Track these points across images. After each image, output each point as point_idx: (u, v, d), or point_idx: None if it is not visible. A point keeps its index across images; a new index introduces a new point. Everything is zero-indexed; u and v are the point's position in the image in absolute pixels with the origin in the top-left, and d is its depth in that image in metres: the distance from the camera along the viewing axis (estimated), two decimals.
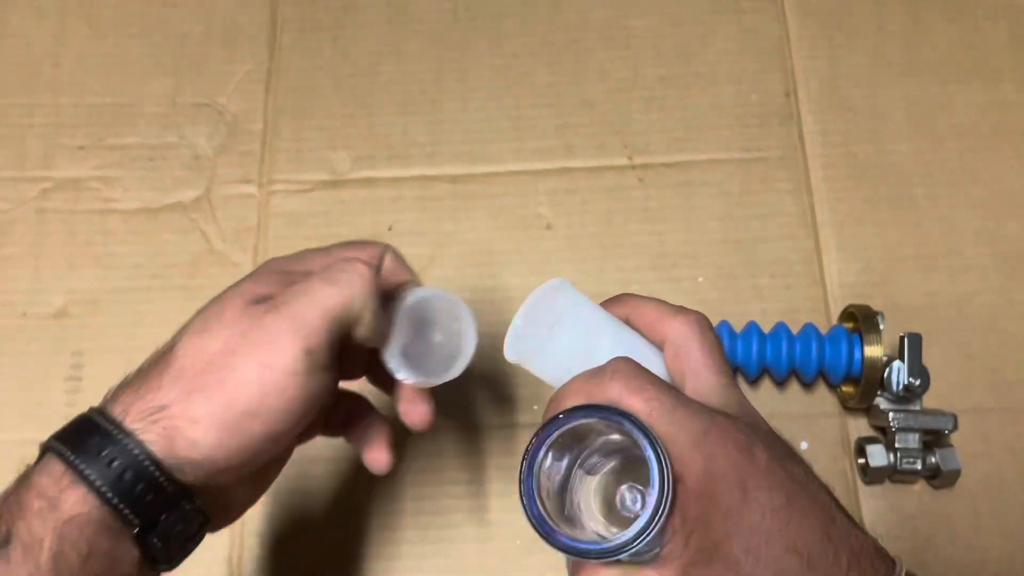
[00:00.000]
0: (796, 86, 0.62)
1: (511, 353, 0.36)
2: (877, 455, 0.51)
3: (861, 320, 0.52)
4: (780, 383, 0.55)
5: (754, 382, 0.55)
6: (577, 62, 0.63)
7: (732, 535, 0.30)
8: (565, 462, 0.34)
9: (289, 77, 0.63)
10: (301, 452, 0.40)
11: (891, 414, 0.51)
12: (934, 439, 0.52)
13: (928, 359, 0.50)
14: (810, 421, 0.54)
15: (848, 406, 0.54)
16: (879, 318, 0.52)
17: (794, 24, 0.64)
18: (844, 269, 0.57)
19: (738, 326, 0.53)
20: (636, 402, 0.31)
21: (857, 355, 0.51)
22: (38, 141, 0.62)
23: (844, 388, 0.54)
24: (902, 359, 0.51)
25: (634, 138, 0.61)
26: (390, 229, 0.59)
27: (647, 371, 0.33)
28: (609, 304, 0.38)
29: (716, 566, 0.30)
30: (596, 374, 0.33)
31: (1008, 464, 0.53)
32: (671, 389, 0.32)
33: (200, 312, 0.36)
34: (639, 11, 0.65)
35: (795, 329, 0.53)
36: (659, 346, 0.36)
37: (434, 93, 0.63)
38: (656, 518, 0.29)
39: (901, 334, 0.51)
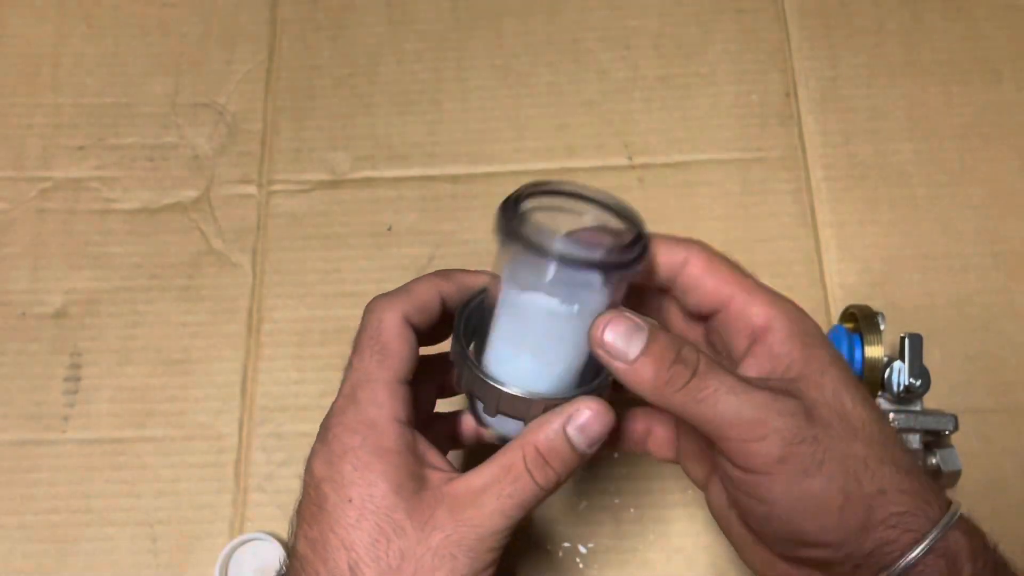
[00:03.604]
0: (796, 86, 0.62)
1: None
2: None
3: (861, 320, 0.52)
4: None
5: None
6: (577, 62, 0.63)
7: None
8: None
9: (289, 77, 0.63)
10: None
11: (891, 415, 0.51)
12: (934, 440, 0.52)
13: (928, 359, 0.50)
14: None
15: None
16: (879, 318, 0.52)
17: (794, 24, 0.64)
18: (844, 269, 0.57)
19: None
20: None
21: (857, 356, 0.51)
22: (38, 141, 0.62)
23: None
24: (902, 360, 0.50)
25: (634, 138, 0.61)
26: (389, 229, 0.59)
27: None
28: None
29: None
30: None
31: (1008, 464, 0.53)
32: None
33: None
34: (639, 11, 0.65)
35: None
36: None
37: (434, 93, 0.63)
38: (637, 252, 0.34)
39: (902, 334, 0.51)
